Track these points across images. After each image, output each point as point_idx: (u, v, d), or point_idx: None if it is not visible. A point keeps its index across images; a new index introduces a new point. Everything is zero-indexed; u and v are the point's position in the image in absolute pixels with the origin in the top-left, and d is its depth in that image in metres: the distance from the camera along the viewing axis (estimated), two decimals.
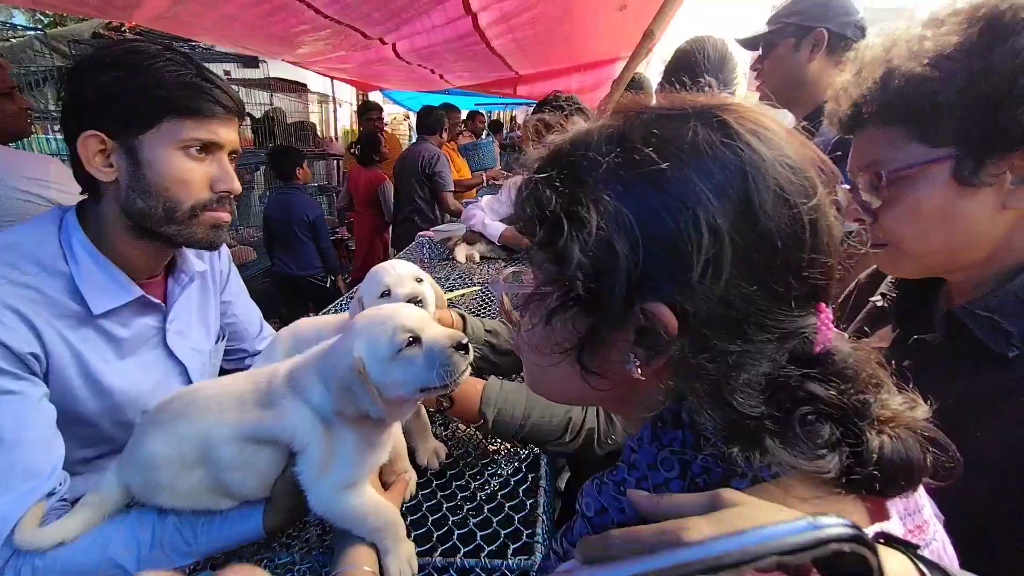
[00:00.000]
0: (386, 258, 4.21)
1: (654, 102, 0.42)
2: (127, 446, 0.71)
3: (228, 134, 0.83)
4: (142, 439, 0.69)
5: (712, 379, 0.36)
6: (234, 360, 1.13)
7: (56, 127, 4.38)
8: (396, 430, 0.76)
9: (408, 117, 7.48)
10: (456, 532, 0.77)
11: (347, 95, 5.67)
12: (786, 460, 0.35)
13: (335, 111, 5.31)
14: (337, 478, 0.67)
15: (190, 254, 0.95)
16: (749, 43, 1.46)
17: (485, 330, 1.16)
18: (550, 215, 0.38)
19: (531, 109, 8.89)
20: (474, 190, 4.44)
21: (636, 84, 2.61)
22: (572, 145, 0.41)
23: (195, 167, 0.80)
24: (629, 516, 0.43)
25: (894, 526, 0.38)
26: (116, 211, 0.80)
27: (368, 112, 4.71)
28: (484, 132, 6.22)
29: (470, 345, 0.68)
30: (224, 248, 1.09)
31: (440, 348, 0.66)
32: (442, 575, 0.71)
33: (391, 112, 7.01)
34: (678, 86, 0.46)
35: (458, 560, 0.72)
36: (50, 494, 0.69)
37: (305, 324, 1.09)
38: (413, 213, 3.77)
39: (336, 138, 5.27)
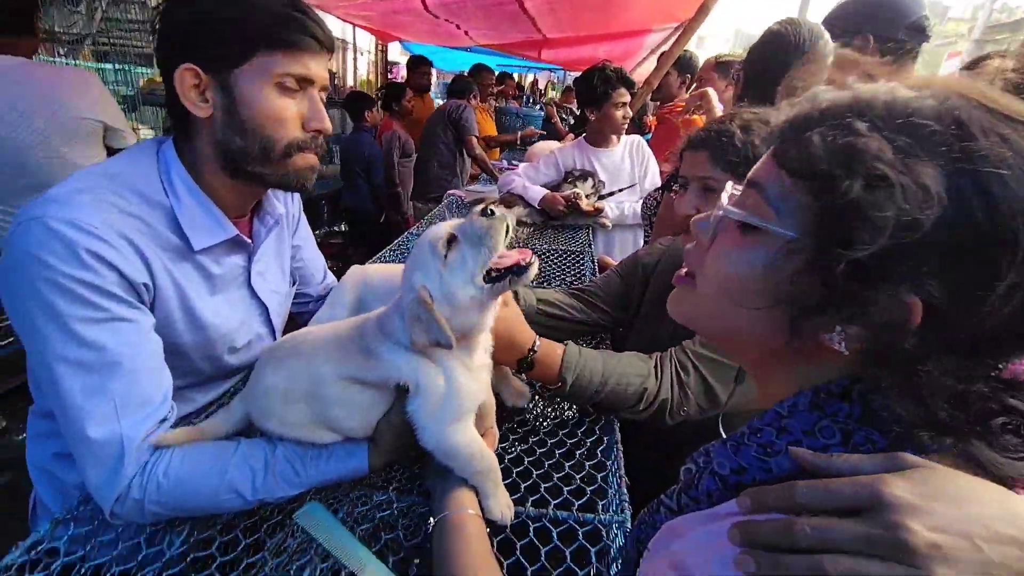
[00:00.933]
0: (402, 211, 4.19)
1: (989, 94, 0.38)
2: (250, 378, 0.73)
3: (319, 69, 0.79)
4: (262, 372, 0.73)
5: (917, 379, 0.36)
6: (298, 304, 1.13)
7: (63, 50, 4.20)
8: (487, 376, 0.76)
9: None
10: (543, 485, 0.79)
11: (366, 43, 5.48)
12: (990, 458, 0.36)
13: (355, 60, 5.14)
14: (448, 409, 0.68)
15: (273, 197, 0.94)
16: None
17: (537, 300, 1.17)
18: (873, 170, 0.35)
19: (555, 75, 8.70)
20: (498, 150, 4.39)
21: (685, 62, 2.56)
22: (890, 105, 0.38)
23: (289, 104, 0.77)
24: (776, 476, 0.44)
25: None
26: (210, 149, 0.78)
27: (419, 66, 4.59)
28: (522, 96, 6.10)
29: (497, 208, 0.68)
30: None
31: (471, 223, 0.67)
32: (534, 523, 0.74)
33: None
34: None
35: (550, 511, 0.75)
36: (162, 421, 0.70)
37: (374, 271, 1.09)
38: (433, 157, 3.77)
39: (356, 87, 5.13)
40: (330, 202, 4.59)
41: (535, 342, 0.89)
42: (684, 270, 0.51)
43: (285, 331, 1.01)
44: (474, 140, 3.77)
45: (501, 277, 0.67)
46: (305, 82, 0.78)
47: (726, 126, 0.95)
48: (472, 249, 0.66)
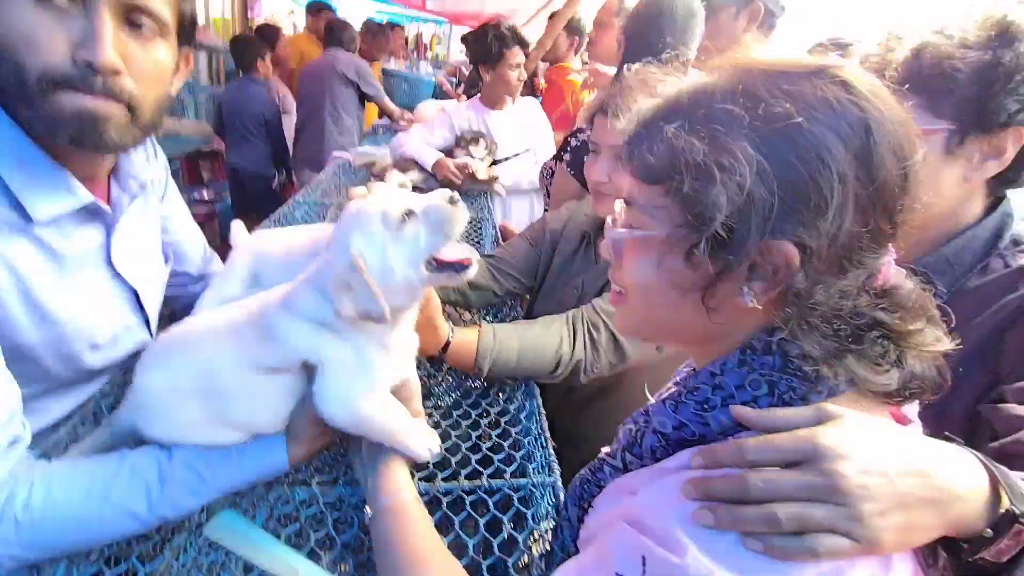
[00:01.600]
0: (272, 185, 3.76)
1: (758, 57, 0.45)
2: (133, 383, 0.62)
3: None
4: (142, 373, 0.63)
5: (810, 308, 0.42)
6: (176, 286, 0.97)
7: None
8: (410, 356, 0.73)
9: (293, 13, 6.43)
10: (473, 457, 0.79)
11: None
12: (861, 374, 0.43)
13: None
14: (356, 385, 0.64)
15: (135, 155, 0.78)
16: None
17: None
18: (692, 163, 0.41)
19: (440, 29, 8.23)
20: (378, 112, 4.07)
21: (574, 24, 2.57)
22: (692, 98, 0.44)
23: (46, 20, 0.56)
24: (713, 429, 0.48)
25: (917, 428, 0.49)
26: None
27: (321, 11, 4.06)
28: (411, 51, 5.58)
29: (459, 199, 0.65)
30: (160, 151, 0.91)
31: (436, 206, 0.64)
32: (469, 496, 0.74)
33: (274, 8, 5.99)
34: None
35: (484, 482, 0.75)
36: (12, 443, 0.57)
37: (267, 238, 0.97)
38: (328, 118, 3.35)
39: (207, 26, 4.38)
40: (187, 163, 3.98)
41: (448, 340, 0.89)
42: (616, 289, 0.55)
43: (162, 320, 0.87)
44: (389, 103, 3.50)
45: (443, 269, 0.64)
46: None
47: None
48: (429, 232, 0.63)
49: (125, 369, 0.87)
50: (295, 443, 0.67)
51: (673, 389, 0.54)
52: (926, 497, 0.36)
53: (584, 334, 0.97)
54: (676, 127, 0.43)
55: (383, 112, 3.60)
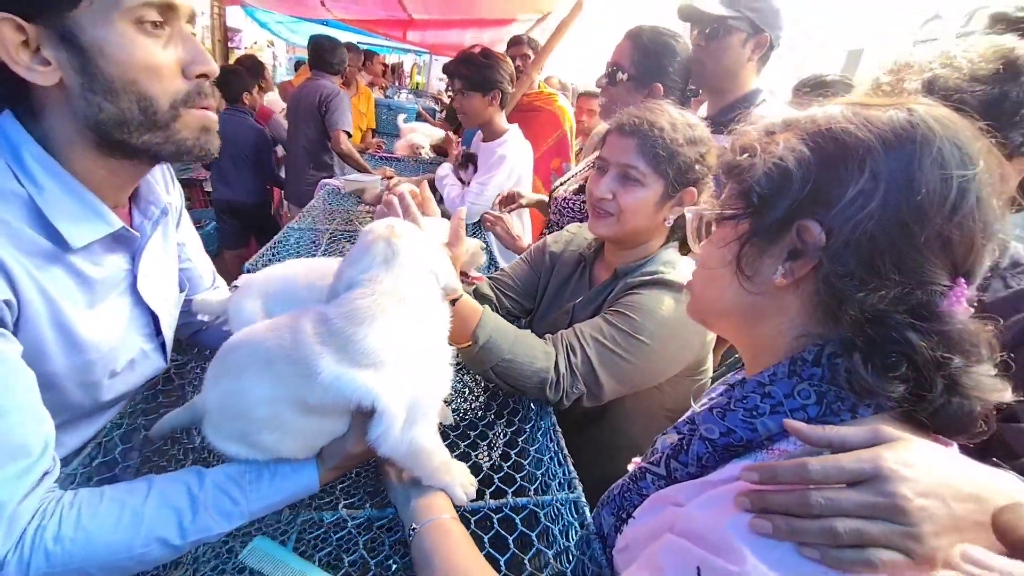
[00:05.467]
0: (270, 211, 3.68)
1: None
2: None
3: None
4: (209, 380, 0.68)
5: (837, 294, 0.46)
6: (187, 313, 0.96)
7: None
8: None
9: (272, 44, 6.47)
10: (496, 476, 0.80)
11: (201, 4, 4.67)
12: (861, 372, 0.45)
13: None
14: (414, 417, 0.63)
15: (154, 182, 0.78)
16: (695, 16, 1.46)
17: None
18: (747, 145, 0.52)
19: (420, 59, 8.37)
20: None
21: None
22: (784, 119, 0.53)
23: (156, 46, 0.60)
24: (760, 435, 0.51)
25: (955, 450, 0.49)
26: (73, 124, 0.61)
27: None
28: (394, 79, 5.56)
29: None
30: (176, 180, 0.91)
31: None
32: (496, 514, 0.74)
33: (254, 38, 6.03)
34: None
35: (509, 499, 0.76)
36: (44, 475, 0.56)
37: (264, 279, 0.94)
38: (305, 155, 3.24)
39: None
40: None
41: (456, 297, 0.87)
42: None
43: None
44: (342, 136, 3.06)
45: None
46: (169, 13, 0.60)
47: (657, 118, 0.98)
48: None
49: (140, 399, 0.86)
50: (326, 468, 0.67)
51: (718, 400, 0.56)
52: (979, 521, 0.39)
53: (564, 355, 0.94)
54: (756, 131, 0.53)
55: (332, 146, 3.18)
